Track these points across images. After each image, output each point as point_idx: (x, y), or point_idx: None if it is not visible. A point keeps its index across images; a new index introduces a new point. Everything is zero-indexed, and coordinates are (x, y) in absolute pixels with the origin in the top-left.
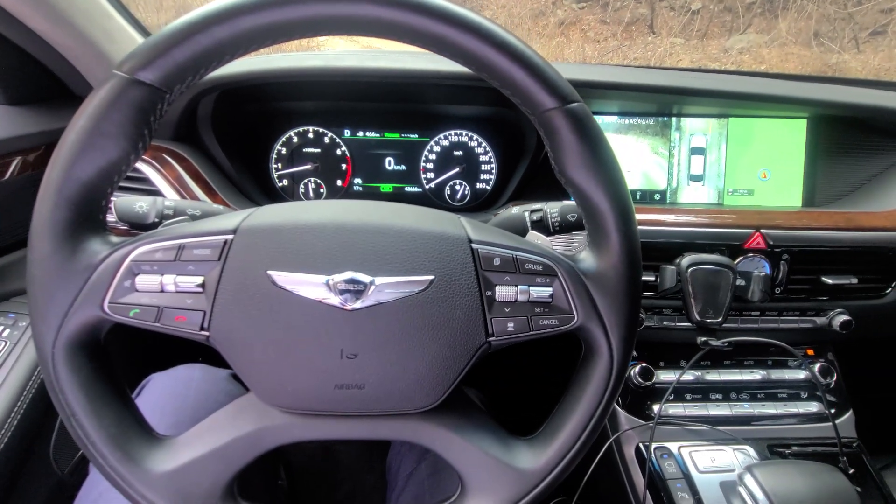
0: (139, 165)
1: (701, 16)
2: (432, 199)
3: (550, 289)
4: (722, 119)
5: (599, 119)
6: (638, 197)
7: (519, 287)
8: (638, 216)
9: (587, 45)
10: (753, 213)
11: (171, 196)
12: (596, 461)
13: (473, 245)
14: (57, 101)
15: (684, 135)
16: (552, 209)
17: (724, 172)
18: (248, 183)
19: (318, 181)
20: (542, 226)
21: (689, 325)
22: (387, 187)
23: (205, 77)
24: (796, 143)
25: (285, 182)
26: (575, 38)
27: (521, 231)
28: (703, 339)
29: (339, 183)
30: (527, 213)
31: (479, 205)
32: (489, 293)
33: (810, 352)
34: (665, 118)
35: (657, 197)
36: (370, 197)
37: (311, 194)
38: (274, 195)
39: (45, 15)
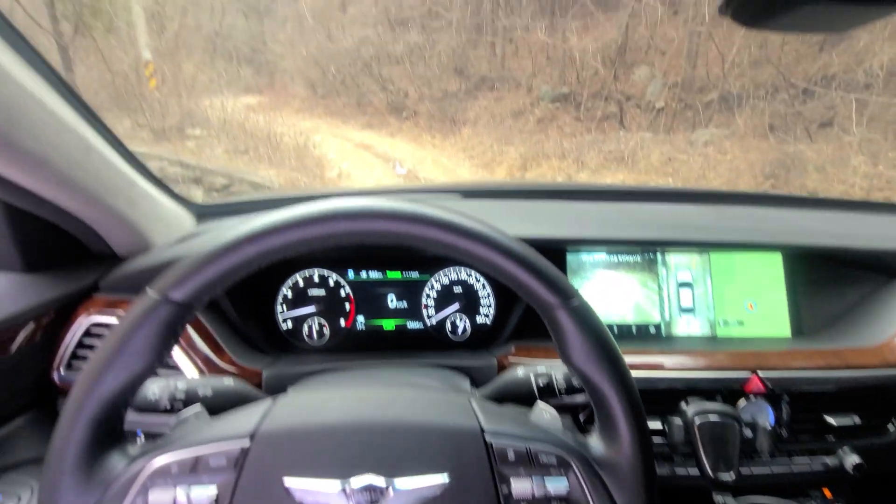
0: None
1: (665, 112)
2: (434, 335)
3: (565, 480)
4: (703, 254)
5: (590, 256)
6: (634, 331)
7: (534, 479)
8: (635, 359)
9: (564, 140)
10: (748, 353)
11: (176, 354)
12: None
13: (487, 437)
14: (73, 263)
15: (670, 270)
16: (557, 374)
17: (713, 305)
18: (253, 329)
19: (322, 321)
20: (549, 390)
21: (701, 476)
22: (389, 325)
23: None
24: (775, 276)
25: (290, 324)
26: (553, 135)
27: (529, 397)
28: (722, 499)
29: (342, 323)
30: (532, 377)
31: (481, 340)
32: (505, 490)
33: (828, 493)
34: (650, 254)
35: (652, 331)
36: (373, 335)
37: (315, 336)
38: (278, 339)
39: (74, 195)
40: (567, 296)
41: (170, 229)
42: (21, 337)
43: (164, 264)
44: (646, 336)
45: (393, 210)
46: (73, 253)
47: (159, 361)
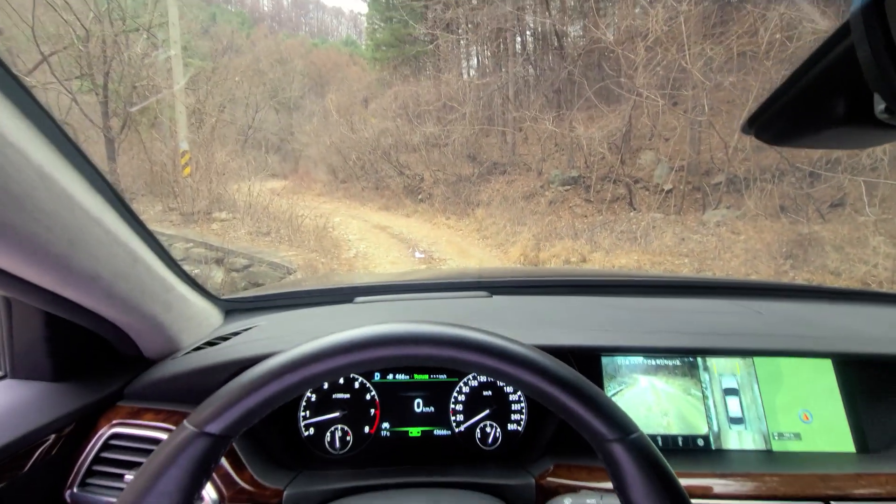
0: (160, 436)
1: (674, 194)
2: (462, 443)
3: None
4: (747, 358)
5: (626, 359)
6: (680, 443)
7: None
8: (690, 482)
9: (576, 221)
10: (814, 476)
11: None
12: None
13: None
14: (100, 367)
15: (713, 375)
16: None
17: (764, 415)
18: (274, 437)
19: (346, 428)
20: None
21: None
22: (415, 431)
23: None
24: (828, 383)
25: (312, 431)
26: (564, 216)
27: None
28: None
29: (366, 430)
30: None
31: (513, 450)
32: None
33: None
34: (690, 358)
35: (700, 443)
36: (398, 443)
37: (338, 443)
38: (298, 447)
39: (116, 305)
40: (626, 431)
41: (199, 328)
42: (39, 451)
43: (190, 373)
44: (694, 449)
45: (438, 335)
46: (100, 356)
47: (189, 503)
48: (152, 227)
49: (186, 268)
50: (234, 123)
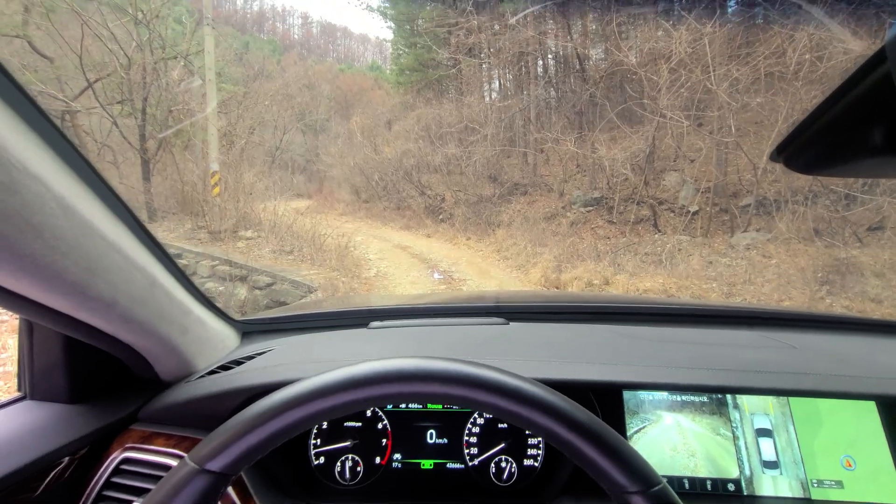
0: (170, 462)
1: (700, 216)
2: (475, 477)
3: None
4: (781, 397)
5: (649, 395)
6: (709, 487)
7: None
8: None
9: (599, 243)
10: None
11: None
12: None
13: None
14: (116, 388)
15: (745, 415)
16: None
17: (802, 460)
18: (282, 466)
19: (356, 458)
20: None
21: None
22: (427, 464)
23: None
24: (872, 427)
25: (322, 460)
26: (587, 237)
27: None
28: None
29: (377, 460)
30: None
31: (530, 486)
32: None
33: None
34: (719, 395)
35: (731, 487)
36: (409, 475)
37: (348, 473)
38: (308, 477)
39: (133, 328)
40: (648, 483)
41: (215, 351)
42: (52, 473)
43: (201, 398)
44: (725, 495)
45: (448, 372)
46: (116, 378)
47: None
48: (181, 244)
49: (211, 285)
50: (262, 145)
